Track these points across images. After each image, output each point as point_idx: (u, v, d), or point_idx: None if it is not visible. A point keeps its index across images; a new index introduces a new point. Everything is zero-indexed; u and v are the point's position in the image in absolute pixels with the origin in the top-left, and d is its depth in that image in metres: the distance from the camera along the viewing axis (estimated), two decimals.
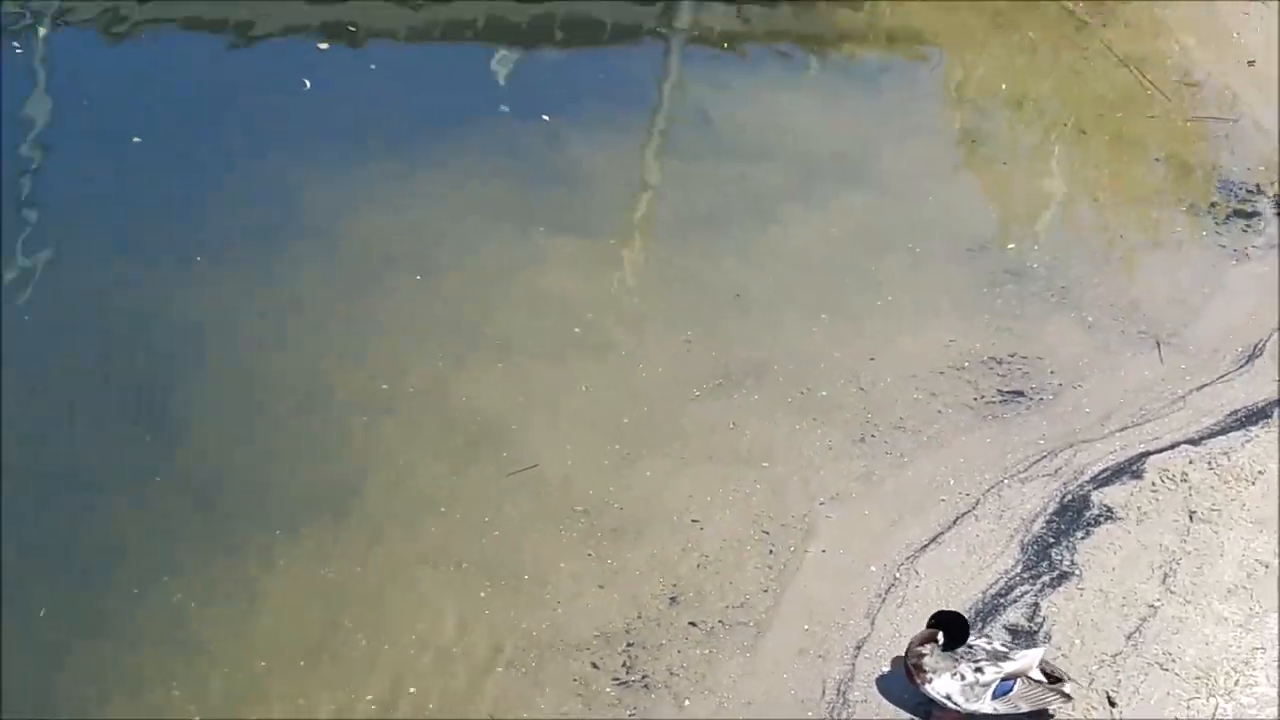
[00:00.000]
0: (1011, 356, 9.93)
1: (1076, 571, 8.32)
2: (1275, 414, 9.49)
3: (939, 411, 9.48)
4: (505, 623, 7.96)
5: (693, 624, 8.10)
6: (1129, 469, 9.01)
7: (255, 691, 7.59)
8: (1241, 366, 9.96)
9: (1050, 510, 8.82)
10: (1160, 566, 8.34)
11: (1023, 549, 8.58)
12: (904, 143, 11.83)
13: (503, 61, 12.29)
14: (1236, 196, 11.48)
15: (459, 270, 10.10)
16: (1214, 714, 7.55)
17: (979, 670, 7.32)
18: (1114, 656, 7.74)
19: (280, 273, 9.88)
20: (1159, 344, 10.22)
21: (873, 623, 8.21)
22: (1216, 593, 8.14)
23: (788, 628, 8.20)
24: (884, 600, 8.33)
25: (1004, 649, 7.41)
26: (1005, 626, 7.95)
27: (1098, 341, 10.21)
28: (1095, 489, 8.85)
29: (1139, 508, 8.69)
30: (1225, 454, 9.04)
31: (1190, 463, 9.01)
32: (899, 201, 11.17)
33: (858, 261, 10.63)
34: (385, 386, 9.22)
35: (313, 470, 8.72)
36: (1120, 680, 7.66)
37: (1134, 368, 9.93)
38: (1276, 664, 7.82)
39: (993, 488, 8.96)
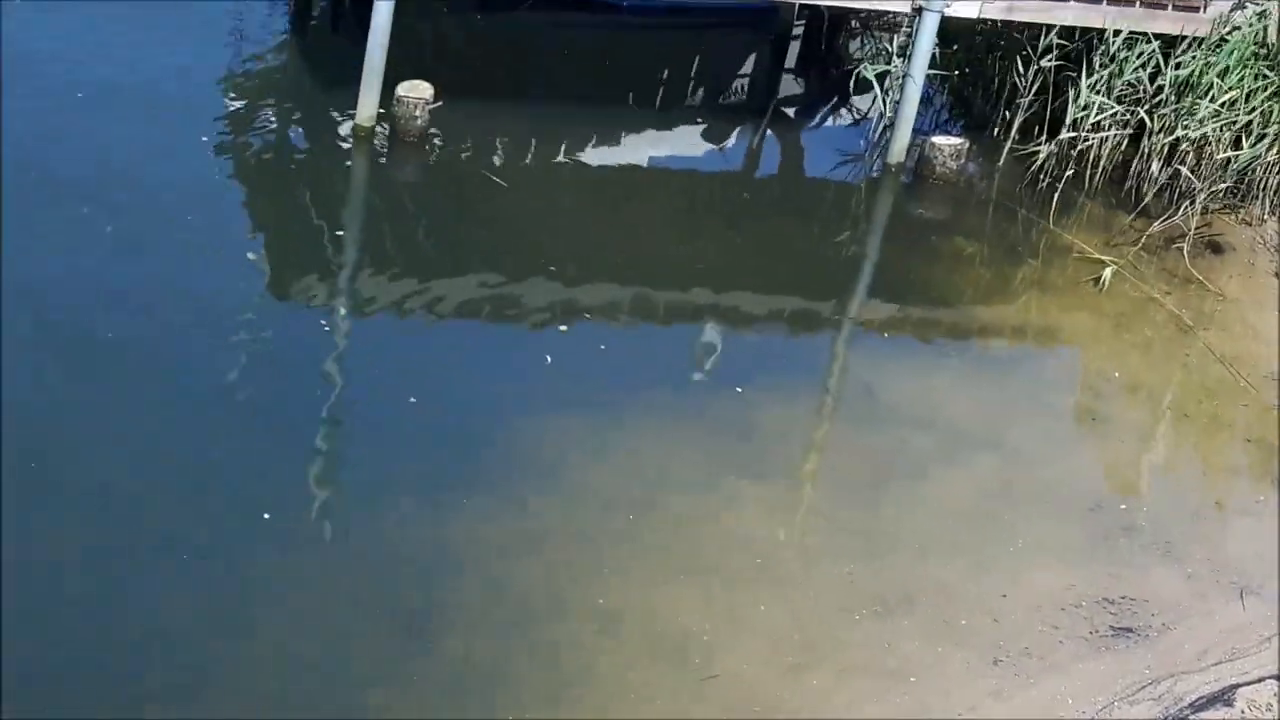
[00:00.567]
0: (1122, 598, 10.27)
1: None
2: None
3: (1060, 642, 9.81)
4: None
5: None
6: (1221, 698, 9.40)
7: None
8: None
9: None
10: None
11: None
12: (1035, 418, 12.06)
13: (707, 342, 12.53)
14: None
15: (666, 509, 10.37)
16: None
17: None
18: None
19: (531, 509, 10.22)
20: (1242, 594, 10.54)
21: None
22: None
23: None
24: None
25: None
26: None
27: (1195, 589, 10.47)
28: (1192, 714, 9.22)
29: None
30: None
31: (1275, 694, 9.50)
32: (1031, 466, 11.44)
33: (995, 514, 10.90)
34: (601, 601, 9.57)
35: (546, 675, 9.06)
36: None
37: (1226, 613, 10.27)
38: None
39: (1104, 707, 9.30)
